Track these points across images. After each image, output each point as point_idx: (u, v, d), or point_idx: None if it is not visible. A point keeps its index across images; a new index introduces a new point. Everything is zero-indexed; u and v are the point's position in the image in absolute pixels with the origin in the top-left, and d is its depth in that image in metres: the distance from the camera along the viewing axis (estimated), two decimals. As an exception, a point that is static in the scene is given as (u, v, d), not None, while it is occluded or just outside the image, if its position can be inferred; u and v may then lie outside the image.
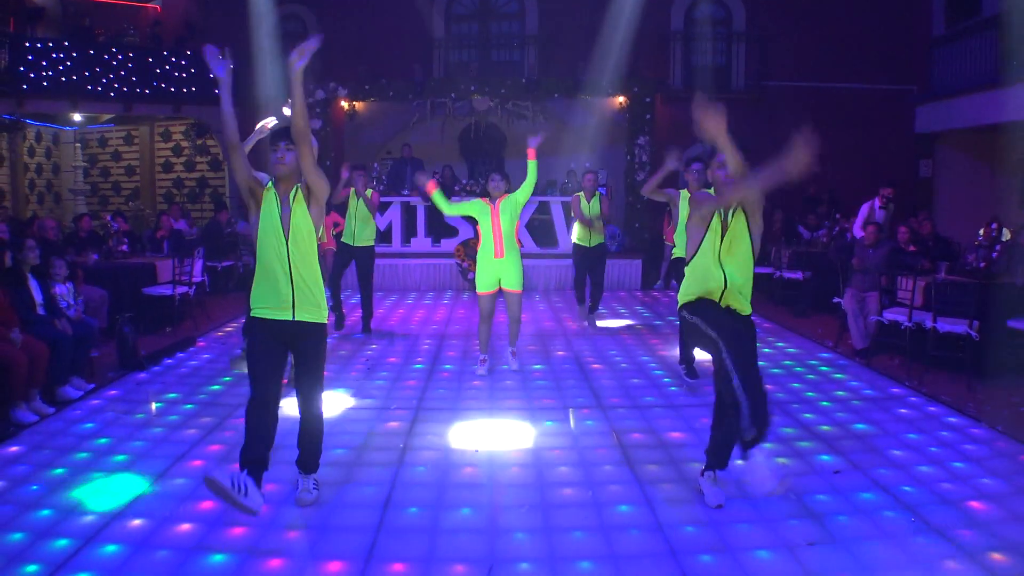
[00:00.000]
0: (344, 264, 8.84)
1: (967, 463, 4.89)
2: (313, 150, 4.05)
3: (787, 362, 7.60)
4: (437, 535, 3.96)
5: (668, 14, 15.70)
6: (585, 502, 4.31)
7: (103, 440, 5.32)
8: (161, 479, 4.64)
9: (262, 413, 4.10)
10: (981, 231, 8.73)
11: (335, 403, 6.03)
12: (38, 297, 6.38)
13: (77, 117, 16.18)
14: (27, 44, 14.68)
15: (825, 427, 5.60)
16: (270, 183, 4.14)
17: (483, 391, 6.64)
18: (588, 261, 9.07)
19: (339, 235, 8.94)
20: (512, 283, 7.07)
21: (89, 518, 4.09)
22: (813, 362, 7.66)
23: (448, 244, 13.20)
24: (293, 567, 3.62)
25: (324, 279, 4.40)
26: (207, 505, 4.26)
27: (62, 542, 3.82)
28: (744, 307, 4.08)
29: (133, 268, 9.35)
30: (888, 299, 7.85)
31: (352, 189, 8.59)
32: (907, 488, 4.48)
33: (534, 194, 7.53)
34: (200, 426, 5.61)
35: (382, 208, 12.43)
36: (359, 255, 8.72)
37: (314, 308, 4.11)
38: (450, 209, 7.25)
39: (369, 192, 8.69)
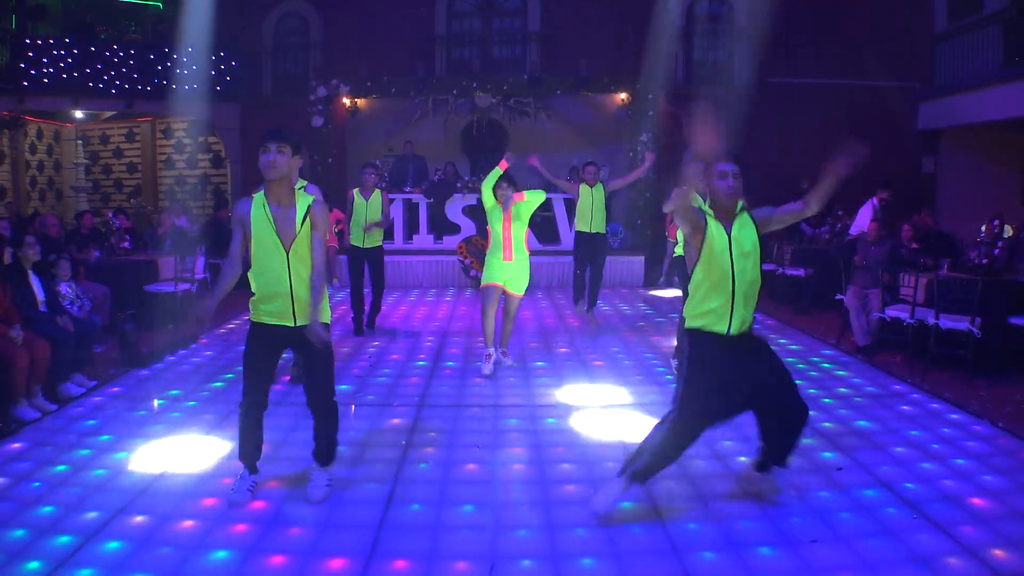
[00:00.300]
0: (360, 271, 8.71)
1: (969, 460, 4.89)
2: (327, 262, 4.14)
3: (789, 359, 7.58)
4: (439, 532, 3.96)
5: (670, 10, 15.67)
6: (587, 499, 4.30)
7: (105, 437, 5.32)
8: (163, 476, 4.64)
9: (257, 415, 4.21)
10: (984, 227, 8.72)
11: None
12: (40, 294, 6.38)
13: (79, 114, 16.20)
14: (28, 41, 14.70)
15: (827, 424, 5.59)
16: (257, 195, 4.08)
17: (485, 388, 6.64)
18: (589, 249, 9.01)
19: (340, 232, 8.91)
20: (516, 287, 7.10)
21: (91, 515, 4.09)
22: (815, 359, 7.65)
23: (450, 241, 13.21)
24: (295, 564, 3.62)
25: (328, 277, 4.39)
26: (209, 502, 4.27)
27: (64, 539, 3.82)
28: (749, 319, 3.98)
29: (135, 265, 9.36)
30: (890, 296, 7.84)
31: (355, 190, 8.52)
32: (909, 485, 4.48)
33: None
34: (202, 423, 5.62)
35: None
36: (371, 256, 8.67)
37: (317, 311, 4.11)
38: (488, 186, 7.11)
39: (378, 192, 8.60)
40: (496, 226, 7.02)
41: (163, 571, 3.56)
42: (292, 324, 4.08)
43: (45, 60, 14.51)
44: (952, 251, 8.80)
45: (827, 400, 6.23)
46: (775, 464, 4.22)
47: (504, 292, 7.10)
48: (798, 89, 15.09)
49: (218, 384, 6.72)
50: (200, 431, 5.44)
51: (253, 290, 4.15)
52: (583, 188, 8.91)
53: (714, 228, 3.87)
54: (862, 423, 5.64)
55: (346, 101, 15.33)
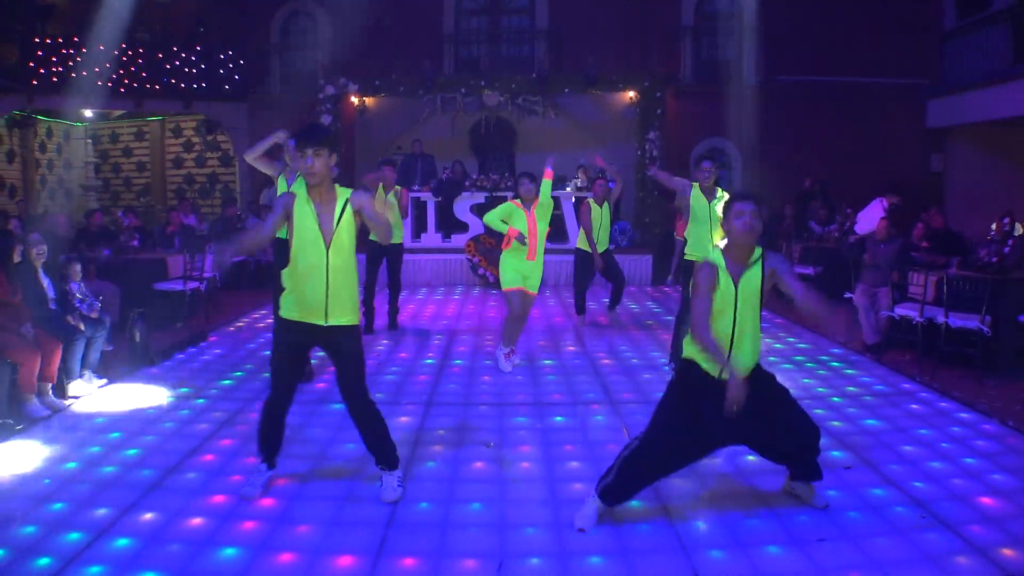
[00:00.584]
0: (377, 267, 8.68)
1: (978, 459, 4.87)
2: (388, 228, 4.13)
3: (798, 357, 7.58)
4: (447, 530, 3.96)
5: (679, 8, 15.66)
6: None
7: (115, 434, 5.34)
8: (173, 473, 4.67)
9: (279, 414, 4.23)
10: (993, 226, 8.69)
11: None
12: (50, 292, 6.41)
13: (88, 113, 16.26)
14: (37, 40, 14.75)
15: (836, 423, 5.58)
16: (301, 191, 4.07)
17: (494, 386, 6.64)
18: (604, 271, 8.96)
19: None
20: (535, 286, 7.11)
21: (100, 512, 4.11)
22: (824, 357, 7.63)
23: (459, 239, 13.20)
24: (304, 561, 3.63)
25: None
26: (218, 499, 4.29)
27: (74, 536, 3.85)
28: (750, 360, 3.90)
29: (144, 263, 9.39)
30: (899, 294, 7.81)
31: (380, 185, 8.47)
32: (918, 484, 4.47)
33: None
34: (211, 420, 5.64)
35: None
36: (390, 253, 8.61)
37: (348, 311, 4.12)
38: (496, 220, 7.09)
39: (398, 188, 8.56)
40: (522, 227, 6.94)
41: (172, 568, 3.57)
42: (323, 322, 4.07)
43: (54, 59, 14.56)
44: (962, 249, 8.76)
45: (836, 399, 6.22)
46: (808, 480, 4.20)
47: (521, 292, 7.08)
48: (806, 87, 15.05)
49: (227, 382, 6.74)
50: (209, 428, 5.46)
51: (284, 285, 4.14)
52: (592, 205, 8.78)
53: (723, 281, 3.80)
54: (871, 422, 5.63)
55: (354, 99, 15.36)
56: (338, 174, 4.19)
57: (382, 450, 4.34)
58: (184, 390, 6.48)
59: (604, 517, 4.01)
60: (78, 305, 6.63)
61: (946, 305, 6.91)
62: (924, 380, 6.74)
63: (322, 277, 4.01)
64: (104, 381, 6.58)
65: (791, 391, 4.17)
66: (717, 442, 4.04)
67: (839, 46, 14.89)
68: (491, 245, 12.59)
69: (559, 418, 5.75)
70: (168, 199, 17.18)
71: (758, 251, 3.87)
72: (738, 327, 3.81)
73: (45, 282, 6.41)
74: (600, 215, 8.78)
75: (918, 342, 7.21)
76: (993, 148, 14.04)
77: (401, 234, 8.70)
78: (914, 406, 6.05)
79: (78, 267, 7.02)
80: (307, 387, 6.21)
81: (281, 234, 6.62)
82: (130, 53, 15.29)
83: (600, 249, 8.80)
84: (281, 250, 6.61)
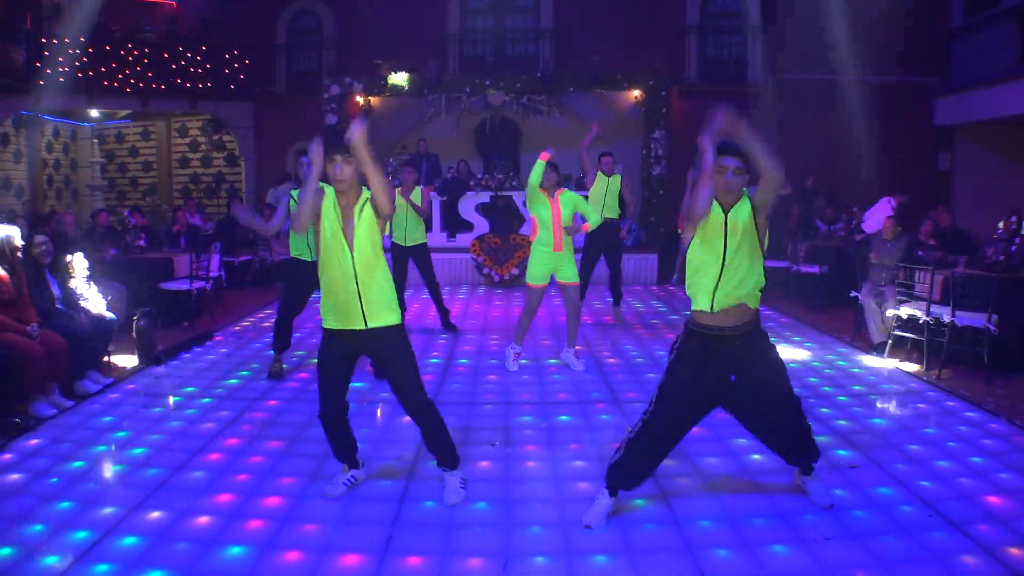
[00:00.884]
0: (403, 270, 8.62)
1: (985, 458, 4.86)
2: (390, 190, 4.07)
3: (804, 356, 7.56)
4: (453, 528, 3.97)
5: (684, 7, 15.64)
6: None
7: (121, 433, 5.36)
8: (179, 472, 4.68)
9: (340, 423, 4.26)
10: (1000, 224, 8.64)
11: (351, 397, 6.03)
12: (56, 292, 6.44)
13: (94, 113, 16.30)
14: (44, 40, 14.78)
15: (842, 422, 5.57)
16: (330, 193, 4.08)
17: (499, 385, 6.64)
18: (601, 239, 8.77)
19: None
20: (570, 275, 7.04)
21: (108, 510, 4.13)
22: (830, 356, 7.62)
23: (464, 239, 13.21)
24: (310, 560, 3.64)
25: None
26: (225, 498, 4.30)
27: (81, 534, 3.86)
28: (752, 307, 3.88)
29: (150, 263, 9.41)
30: (906, 293, 7.79)
31: (396, 190, 8.43)
32: (924, 483, 4.46)
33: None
34: (218, 420, 5.65)
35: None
36: (416, 254, 8.57)
37: (387, 311, 4.11)
38: (535, 185, 6.90)
39: (419, 190, 8.51)
40: (544, 214, 6.91)
41: (179, 567, 3.58)
42: (363, 326, 4.08)
43: (61, 59, 14.59)
44: (968, 248, 8.73)
45: (841, 398, 6.21)
46: (805, 463, 4.21)
47: (560, 285, 7.07)
48: (812, 85, 15.01)
49: (233, 381, 6.76)
50: (216, 427, 5.47)
51: (322, 294, 4.15)
52: (599, 176, 8.84)
53: (713, 210, 3.80)
54: (877, 421, 5.62)
55: (359, 99, 15.37)
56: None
57: (444, 451, 4.34)
58: (190, 389, 6.50)
59: (612, 515, 4.01)
60: (84, 305, 6.65)
61: (953, 304, 6.89)
62: (930, 379, 6.73)
63: (351, 279, 4.02)
64: (110, 381, 6.60)
65: (796, 390, 4.16)
66: (714, 403, 4.06)
67: (845, 44, 14.84)
68: (496, 244, 12.60)
69: (564, 417, 5.75)
70: (174, 199, 17.22)
71: (744, 192, 3.87)
72: (728, 259, 3.77)
73: (51, 282, 6.44)
74: (607, 183, 8.80)
75: (924, 341, 7.19)
76: (1000, 146, 13.99)
77: (423, 233, 8.62)
78: (921, 405, 6.04)
79: (84, 267, 7.04)
80: (310, 386, 6.21)
81: (294, 251, 6.68)
82: (136, 53, 15.32)
83: (607, 215, 8.70)
84: (292, 270, 6.67)
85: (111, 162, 17.90)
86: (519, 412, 5.88)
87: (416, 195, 8.45)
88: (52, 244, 6.57)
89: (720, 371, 3.92)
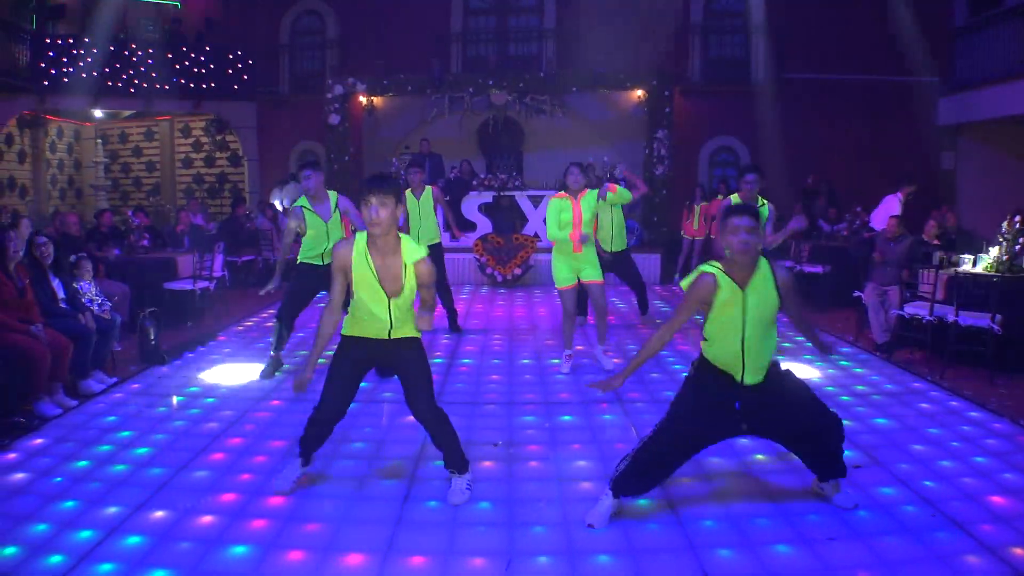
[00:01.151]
0: None
1: (989, 458, 4.85)
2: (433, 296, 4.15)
3: (807, 356, 7.55)
4: (456, 528, 3.97)
5: (687, 6, 15.63)
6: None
7: (125, 433, 5.37)
8: (183, 471, 4.68)
9: (325, 430, 4.28)
10: (1004, 224, 8.62)
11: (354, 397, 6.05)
12: (60, 292, 6.45)
13: (98, 113, 16.33)
14: (48, 41, 14.81)
15: (845, 422, 5.47)
16: (359, 240, 3.95)
17: (501, 385, 6.64)
18: (614, 268, 8.74)
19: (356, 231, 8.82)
20: (593, 274, 6.95)
21: (112, 510, 4.13)
22: (833, 356, 7.58)
23: (466, 239, 13.20)
24: (314, 560, 3.65)
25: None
26: (229, 497, 4.31)
27: (85, 533, 3.87)
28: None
29: (154, 263, 9.43)
30: (909, 292, 7.78)
31: (408, 189, 8.32)
32: (928, 483, 4.45)
33: (549, 188, 7.48)
34: (221, 419, 5.66)
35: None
36: (430, 254, 8.48)
37: (411, 325, 4.14)
38: (559, 230, 6.81)
39: (429, 189, 8.40)
40: (566, 218, 6.77)
41: (182, 566, 3.59)
42: (387, 337, 4.09)
43: (64, 60, 14.62)
44: (973, 247, 8.71)
45: (845, 398, 6.20)
46: (832, 477, 4.19)
47: (584, 285, 7.01)
48: (816, 85, 15.00)
49: (237, 381, 6.75)
50: (219, 427, 5.48)
51: (351, 309, 4.13)
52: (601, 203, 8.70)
53: (726, 293, 3.67)
54: (880, 421, 5.61)
55: (363, 99, 15.39)
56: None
57: (453, 455, 4.36)
58: (193, 389, 6.50)
59: (615, 515, 4.01)
60: (88, 304, 6.66)
61: (956, 303, 6.88)
62: (934, 379, 6.72)
63: (385, 317, 4.02)
64: (114, 380, 6.61)
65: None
66: (731, 433, 4.05)
67: (848, 43, 14.84)
68: (499, 244, 12.59)
69: (567, 417, 5.75)
70: (177, 199, 17.25)
71: (763, 262, 3.75)
72: (747, 342, 3.72)
73: (55, 282, 6.45)
74: (610, 212, 8.62)
75: (928, 341, 7.18)
76: (1004, 145, 13.97)
77: (437, 233, 8.51)
78: (924, 405, 6.02)
79: (88, 266, 7.07)
80: (314, 386, 6.20)
81: (303, 256, 6.72)
82: (140, 53, 15.35)
83: (615, 248, 8.62)
84: (299, 274, 6.69)
85: (115, 162, 17.94)
86: (522, 412, 5.88)
87: (427, 195, 8.38)
88: (53, 244, 6.58)
89: (729, 409, 3.87)
